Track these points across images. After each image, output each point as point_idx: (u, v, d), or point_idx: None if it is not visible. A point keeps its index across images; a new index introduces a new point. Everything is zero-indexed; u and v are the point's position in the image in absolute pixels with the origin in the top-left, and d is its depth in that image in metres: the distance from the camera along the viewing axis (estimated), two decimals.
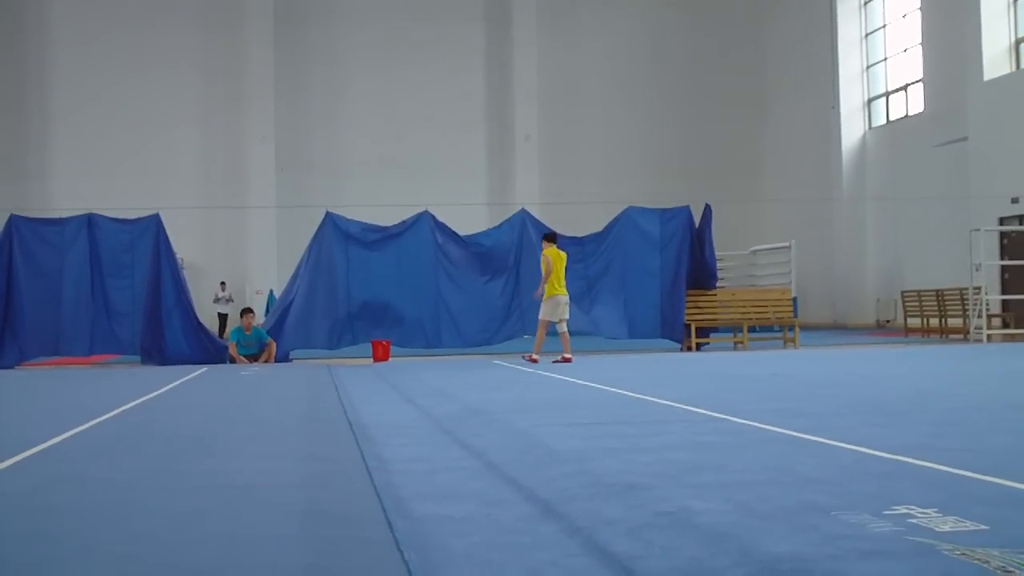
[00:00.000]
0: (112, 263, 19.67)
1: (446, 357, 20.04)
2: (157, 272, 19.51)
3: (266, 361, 19.18)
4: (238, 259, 37.78)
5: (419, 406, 10.38)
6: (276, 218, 36.89)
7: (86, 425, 8.78)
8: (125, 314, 19.57)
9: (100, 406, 10.42)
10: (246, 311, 20.01)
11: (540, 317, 17.77)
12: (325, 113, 39.04)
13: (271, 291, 33.84)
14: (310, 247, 20.55)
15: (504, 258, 21.15)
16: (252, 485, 5.70)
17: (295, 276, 20.63)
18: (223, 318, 33.31)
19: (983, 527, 4.14)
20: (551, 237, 18.32)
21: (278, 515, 4.83)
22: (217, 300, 34.12)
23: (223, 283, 34.82)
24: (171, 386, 13.44)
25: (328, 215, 20.69)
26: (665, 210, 21.98)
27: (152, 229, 19.75)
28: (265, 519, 4.74)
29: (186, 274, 21.65)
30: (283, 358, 19.76)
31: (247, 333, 19.45)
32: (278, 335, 19.93)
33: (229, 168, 38.15)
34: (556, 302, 17.57)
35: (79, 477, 6.12)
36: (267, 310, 30.51)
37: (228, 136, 38.26)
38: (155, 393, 12.25)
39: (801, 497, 4.87)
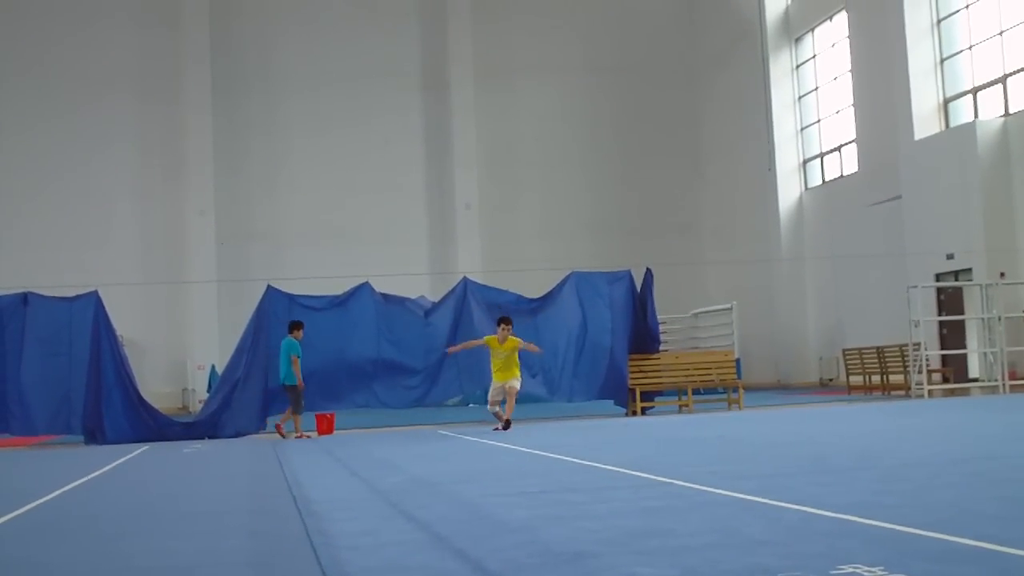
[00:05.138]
0: (49, 341, 19.34)
1: (392, 429, 19.91)
2: (97, 350, 19.22)
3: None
4: (179, 334, 37.43)
5: (364, 479, 10.28)
6: (217, 291, 36.63)
7: (21, 509, 8.59)
8: (64, 394, 19.24)
9: (36, 489, 10.21)
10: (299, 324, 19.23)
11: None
12: (265, 183, 38.98)
13: (212, 366, 33.49)
14: (252, 322, 20.39)
15: (445, 326, 21.26)
16: (195, 565, 5.60)
17: (238, 351, 20.43)
18: None
19: None
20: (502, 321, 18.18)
21: None
22: None
23: None
24: (111, 466, 13.21)
25: (269, 288, 20.60)
26: (607, 274, 22.15)
27: (91, 306, 19.48)
28: None
29: (127, 351, 21.36)
30: (235, 435, 19.44)
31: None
32: (226, 411, 19.68)
33: (169, 241, 37.90)
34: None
35: (13, 563, 5.98)
36: (209, 386, 30.16)
37: (167, 209, 38.06)
38: (95, 474, 12.03)
39: (748, 560, 4.86)
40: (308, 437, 18.04)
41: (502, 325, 17.78)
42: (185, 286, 36.70)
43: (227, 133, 38.39)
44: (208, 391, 26.09)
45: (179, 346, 37.33)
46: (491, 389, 17.86)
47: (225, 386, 20.20)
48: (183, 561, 5.76)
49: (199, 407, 26.82)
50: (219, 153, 38.15)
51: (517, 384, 17.68)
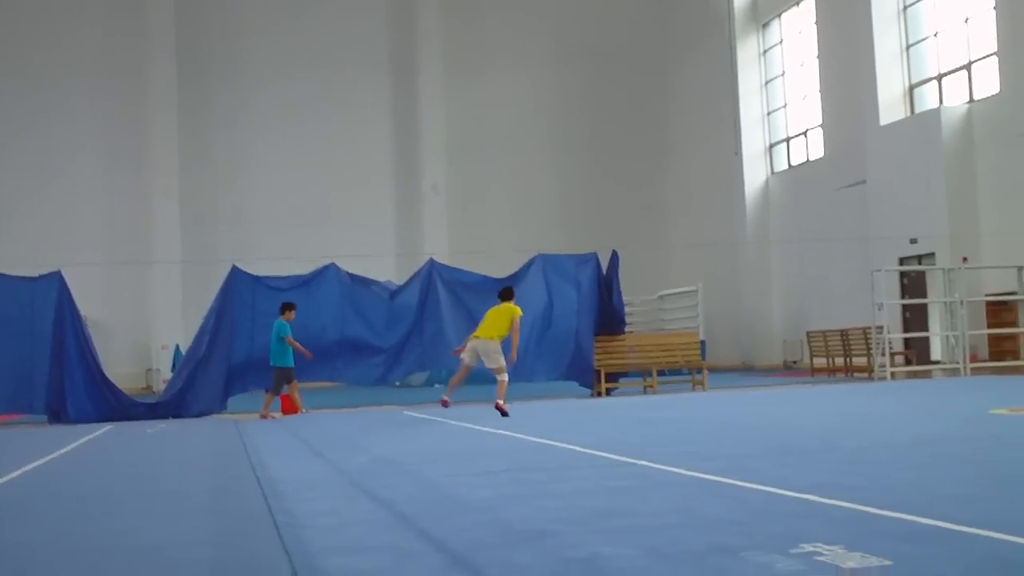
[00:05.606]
0: (12, 321, 19.21)
1: (357, 409, 19.89)
2: (60, 330, 19.12)
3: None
4: (143, 315, 37.17)
5: (328, 459, 10.27)
6: (182, 272, 36.41)
7: None
8: (26, 373, 19.12)
9: None
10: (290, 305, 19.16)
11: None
12: (231, 165, 38.73)
13: (177, 346, 33.33)
14: (217, 302, 20.33)
15: (410, 306, 21.39)
16: (158, 545, 5.58)
17: (202, 331, 20.37)
18: None
19: (887, 562, 4.19)
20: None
21: (185, 575, 4.74)
22: None
23: None
24: (73, 446, 13.14)
25: (234, 269, 20.53)
26: (574, 256, 22.23)
27: (54, 286, 19.35)
28: None
29: (91, 331, 21.21)
30: (199, 415, 19.40)
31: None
32: (189, 391, 19.65)
33: (133, 223, 37.57)
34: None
35: None
36: (173, 365, 30.02)
37: (132, 190, 37.69)
38: (57, 453, 11.97)
39: (710, 539, 4.89)
40: (273, 418, 18.03)
41: (502, 301, 16.61)
42: (150, 267, 36.44)
43: (193, 115, 38.06)
44: (172, 371, 25.94)
45: (144, 326, 37.08)
46: (466, 348, 16.47)
47: (188, 366, 20.16)
48: (146, 541, 5.75)
49: (163, 387, 26.68)
50: (185, 134, 37.82)
51: (498, 355, 16.06)
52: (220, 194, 38.55)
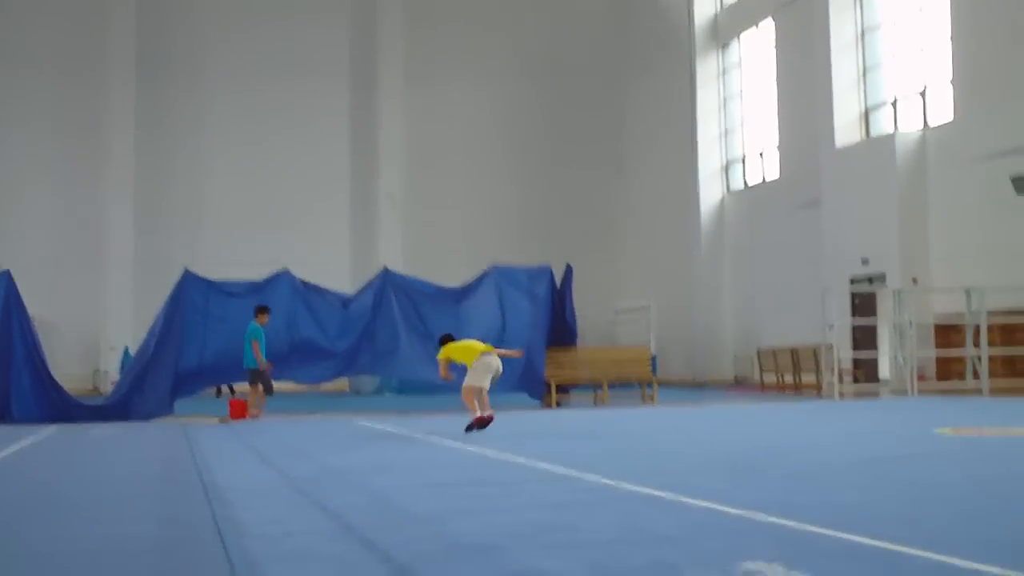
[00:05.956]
0: None
1: (306, 416, 19.80)
2: (7, 330, 18.89)
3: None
4: (93, 315, 36.81)
5: (275, 467, 10.22)
6: (134, 274, 36.14)
7: None
8: None
9: None
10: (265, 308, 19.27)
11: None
12: (188, 169, 38.52)
13: (126, 348, 33.06)
14: (168, 305, 20.18)
15: (363, 312, 21.39)
16: (99, 552, 5.53)
17: (151, 334, 20.21)
18: None
19: None
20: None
21: None
22: None
23: None
24: (16, 448, 12.97)
25: (186, 272, 20.41)
26: (528, 269, 22.28)
27: (1, 286, 19.13)
28: None
29: (39, 331, 20.97)
30: (146, 418, 19.21)
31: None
32: (137, 394, 19.47)
33: (88, 223, 37.26)
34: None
35: None
36: (122, 367, 29.77)
37: (86, 192, 37.39)
38: None
39: (652, 555, 4.92)
40: (226, 422, 17.96)
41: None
42: (102, 269, 36.16)
43: (150, 118, 37.81)
44: (121, 373, 25.75)
45: (94, 327, 36.73)
46: (476, 370, 14.25)
47: (136, 368, 20.01)
48: (87, 547, 5.69)
49: (111, 389, 26.44)
50: (141, 137, 37.57)
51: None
52: (176, 198, 38.33)
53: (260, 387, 18.94)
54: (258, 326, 18.80)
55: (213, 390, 28.30)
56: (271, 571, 5.02)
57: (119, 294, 36.62)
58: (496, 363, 14.34)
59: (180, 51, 38.81)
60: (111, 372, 33.87)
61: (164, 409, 19.63)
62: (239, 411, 18.87)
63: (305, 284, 21.32)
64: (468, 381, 14.20)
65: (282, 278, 21.07)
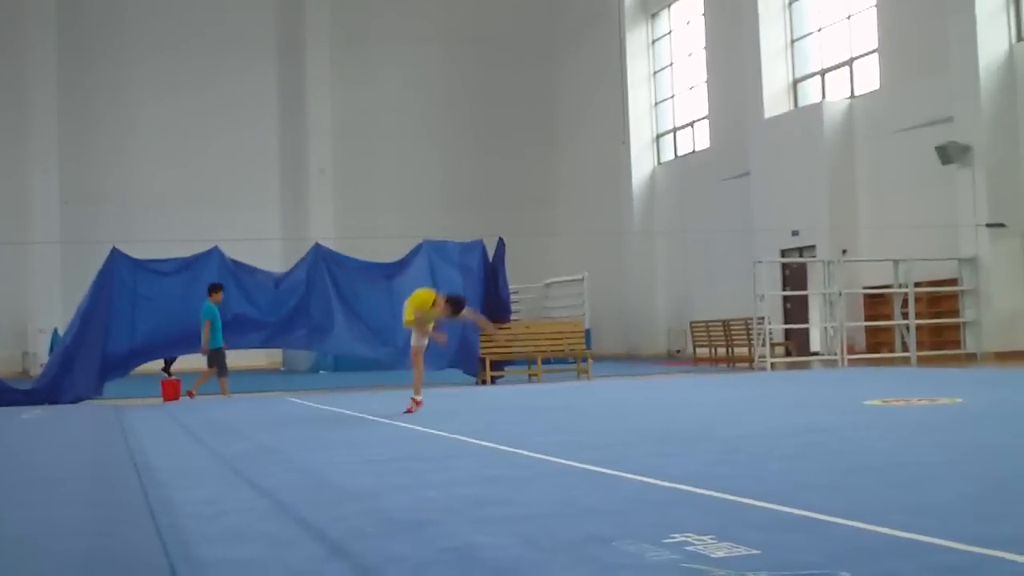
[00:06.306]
0: None
1: (239, 395, 19.68)
2: None
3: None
4: (20, 297, 36.29)
5: (209, 446, 10.17)
6: (61, 254, 35.61)
7: None
8: None
9: None
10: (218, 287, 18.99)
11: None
12: (113, 144, 38.01)
13: (55, 330, 32.62)
14: (95, 285, 19.91)
15: (296, 291, 21.29)
16: (28, 535, 5.47)
17: (79, 315, 19.93)
18: None
19: (755, 551, 4.30)
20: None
21: (57, 566, 4.65)
22: None
23: None
24: None
25: (114, 251, 20.14)
26: (460, 243, 22.28)
27: None
28: (43, 570, 4.56)
29: None
30: (75, 400, 18.97)
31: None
32: (66, 377, 19.21)
33: (10, 201, 36.65)
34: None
35: None
36: (51, 349, 29.37)
37: (9, 168, 36.79)
38: None
39: (584, 529, 4.97)
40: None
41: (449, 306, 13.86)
42: (27, 248, 35.61)
43: (74, 91, 37.26)
44: (49, 355, 25.40)
45: (20, 309, 36.21)
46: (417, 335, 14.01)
47: (64, 350, 19.73)
48: (15, 531, 5.63)
49: (40, 371, 26.11)
50: (64, 112, 37.03)
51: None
52: (102, 174, 37.83)
53: (215, 368, 18.80)
54: (212, 305, 18.60)
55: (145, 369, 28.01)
56: (205, 551, 5.01)
57: (46, 274, 36.13)
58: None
59: (102, 24, 38.28)
60: (40, 354, 33.43)
61: (94, 391, 19.40)
62: (172, 392, 18.72)
63: (236, 263, 21.11)
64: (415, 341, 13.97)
65: (212, 256, 20.82)
